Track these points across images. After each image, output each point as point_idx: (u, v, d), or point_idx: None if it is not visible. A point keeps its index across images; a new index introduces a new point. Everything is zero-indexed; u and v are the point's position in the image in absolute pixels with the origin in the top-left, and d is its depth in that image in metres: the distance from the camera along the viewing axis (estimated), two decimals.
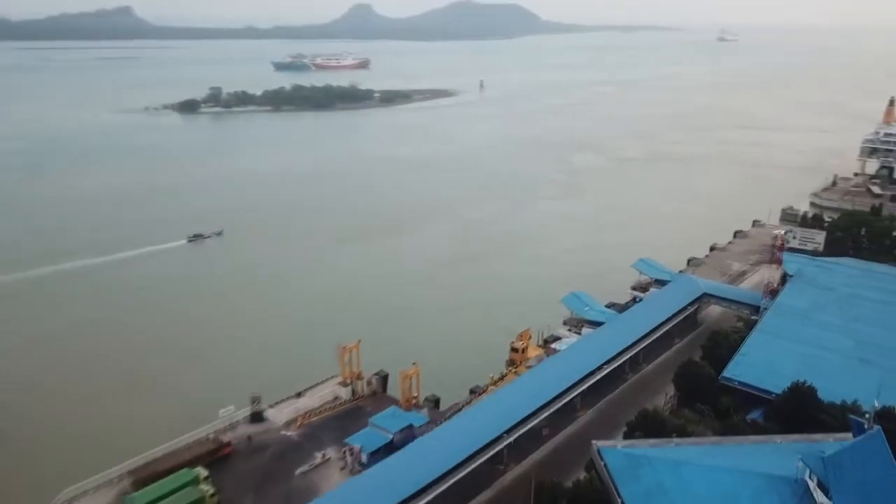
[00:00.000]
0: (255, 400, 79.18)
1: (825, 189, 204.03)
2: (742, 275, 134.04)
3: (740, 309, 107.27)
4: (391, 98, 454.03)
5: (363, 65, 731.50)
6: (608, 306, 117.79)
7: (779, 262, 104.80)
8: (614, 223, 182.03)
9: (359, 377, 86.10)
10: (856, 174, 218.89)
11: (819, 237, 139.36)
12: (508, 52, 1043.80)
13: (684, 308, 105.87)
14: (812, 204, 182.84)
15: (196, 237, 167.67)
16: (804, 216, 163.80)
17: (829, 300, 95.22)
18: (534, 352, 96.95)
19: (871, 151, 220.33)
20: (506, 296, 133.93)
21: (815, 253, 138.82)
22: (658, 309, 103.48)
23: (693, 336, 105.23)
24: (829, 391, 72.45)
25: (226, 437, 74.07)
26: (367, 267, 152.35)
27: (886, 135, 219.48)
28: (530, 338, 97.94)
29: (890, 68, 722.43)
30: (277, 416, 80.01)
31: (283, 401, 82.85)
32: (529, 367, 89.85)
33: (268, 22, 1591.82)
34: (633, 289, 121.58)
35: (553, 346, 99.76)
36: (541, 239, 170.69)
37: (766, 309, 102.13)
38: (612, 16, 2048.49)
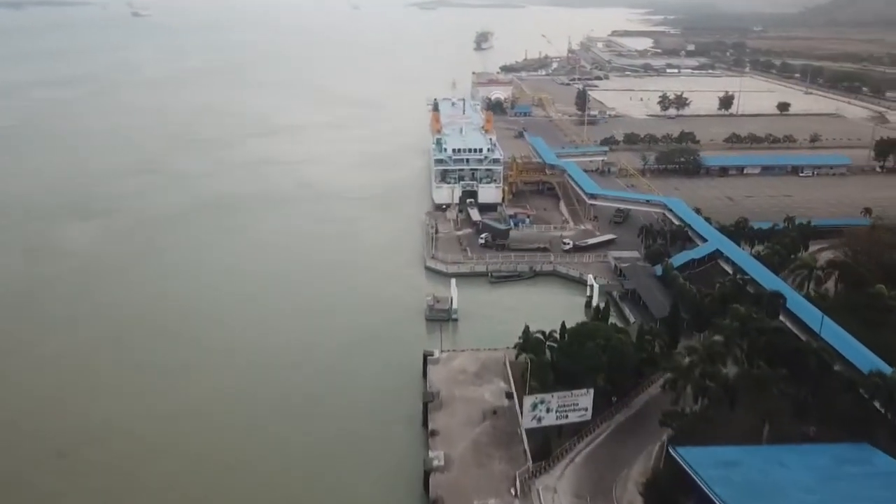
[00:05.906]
0: None
1: (434, 244, 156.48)
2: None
3: None
4: None
5: None
6: None
7: None
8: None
9: None
10: (441, 207, 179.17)
11: (585, 400, 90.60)
12: None
13: None
14: (454, 275, 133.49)
15: None
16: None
17: None
18: None
19: (444, 175, 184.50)
20: None
21: (583, 424, 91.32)
22: None
23: None
24: None
25: None
26: None
27: (455, 151, 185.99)
28: None
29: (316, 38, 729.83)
30: None
31: None
32: None
33: None
34: None
35: None
36: None
37: None
38: None
